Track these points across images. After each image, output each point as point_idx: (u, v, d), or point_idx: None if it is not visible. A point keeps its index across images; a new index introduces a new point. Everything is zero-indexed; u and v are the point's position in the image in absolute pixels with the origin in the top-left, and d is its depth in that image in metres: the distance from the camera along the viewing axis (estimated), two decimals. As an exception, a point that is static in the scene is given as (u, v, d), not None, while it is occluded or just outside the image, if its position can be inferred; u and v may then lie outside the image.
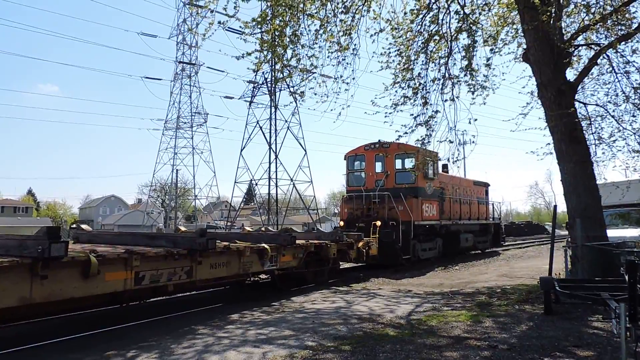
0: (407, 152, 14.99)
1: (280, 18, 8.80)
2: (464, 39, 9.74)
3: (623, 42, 9.39)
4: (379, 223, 13.44)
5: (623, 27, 9.46)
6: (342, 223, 15.08)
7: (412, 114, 9.78)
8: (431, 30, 9.87)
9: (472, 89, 9.77)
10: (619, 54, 10.08)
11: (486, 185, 22.20)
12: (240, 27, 8.84)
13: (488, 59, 9.86)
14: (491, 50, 10.26)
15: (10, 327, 6.36)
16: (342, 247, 11.03)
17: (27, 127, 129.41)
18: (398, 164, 15.55)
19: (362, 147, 16.08)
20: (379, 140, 15.53)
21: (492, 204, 22.81)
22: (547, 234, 46.43)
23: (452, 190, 17.74)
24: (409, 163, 15.27)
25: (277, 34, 8.85)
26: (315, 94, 10.05)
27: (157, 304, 8.71)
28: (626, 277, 7.05)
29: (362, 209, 14.82)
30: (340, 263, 11.91)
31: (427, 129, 9.66)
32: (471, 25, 9.57)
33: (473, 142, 9.52)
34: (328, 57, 9.69)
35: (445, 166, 18.27)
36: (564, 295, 6.84)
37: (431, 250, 15.73)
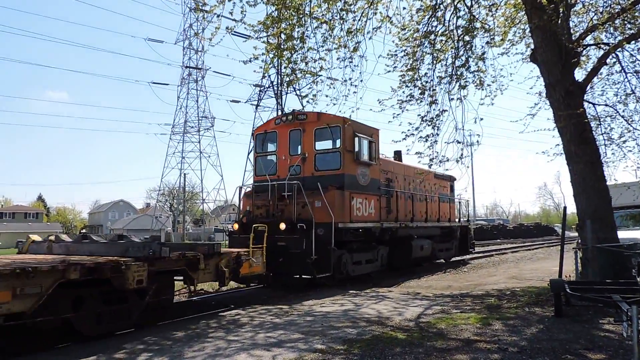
0: (330, 124, 10.90)
1: (287, 21, 8.85)
2: (465, 42, 9.72)
3: (632, 42, 9.32)
4: (283, 226, 10.06)
5: (632, 26, 9.39)
6: (236, 226, 10.93)
7: (420, 114, 9.76)
8: (437, 31, 9.87)
9: (478, 82, 9.74)
10: (628, 54, 10.01)
11: (451, 179, 17.93)
12: (245, 28, 8.89)
13: (483, 53, 9.84)
14: (482, 52, 10.18)
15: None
16: (167, 266, 7.05)
17: (36, 133, 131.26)
18: (319, 142, 11.41)
19: (273, 121, 12.23)
20: (293, 110, 11.86)
21: (460, 202, 18.91)
22: (557, 235, 46.05)
23: (403, 183, 14.08)
24: (335, 141, 11.22)
25: (283, 37, 8.90)
26: (327, 96, 10.11)
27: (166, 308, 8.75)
28: (638, 279, 7.00)
29: (267, 206, 10.89)
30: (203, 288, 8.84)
31: (433, 127, 9.63)
32: (476, 25, 9.56)
33: (478, 141, 9.49)
34: (337, 59, 9.72)
35: (398, 153, 15.33)
36: (575, 298, 6.79)
37: (369, 263, 11.88)
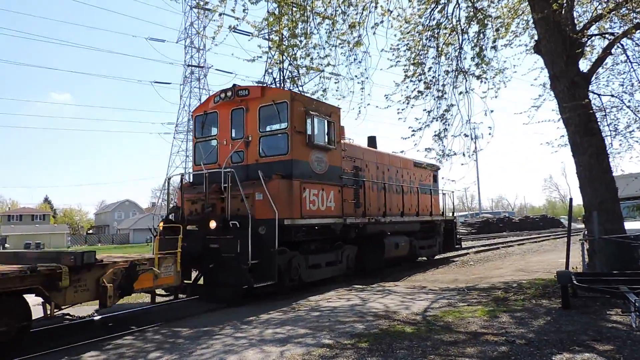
0: (275, 101, 9.22)
1: (288, 17, 8.85)
2: (474, 32, 9.69)
3: (638, 31, 9.23)
4: (213, 224, 8.47)
5: (638, 15, 9.30)
6: (161, 225, 8.97)
7: (425, 109, 9.74)
8: (441, 24, 9.83)
9: (481, 76, 9.71)
10: (634, 43, 9.93)
11: (434, 168, 16.07)
12: (249, 23, 8.89)
13: (494, 41, 9.80)
14: (494, 39, 10.12)
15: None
16: (1, 286, 5.35)
17: (42, 135, 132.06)
18: (265, 123, 9.64)
19: (212, 99, 10.29)
20: (234, 85, 9.92)
21: (444, 194, 16.87)
22: (563, 227, 45.85)
23: (375, 172, 12.56)
24: (282, 121, 9.28)
25: (286, 34, 8.89)
26: (324, 90, 10.10)
27: (174, 306, 8.83)
28: (646, 270, 6.97)
29: (204, 200, 9.00)
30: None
31: (443, 123, 9.59)
32: (480, 17, 9.51)
33: (491, 134, 9.42)
34: (342, 54, 9.71)
35: (372, 139, 14.05)
36: (582, 289, 6.77)
37: (330, 266, 10.25)
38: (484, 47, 9.50)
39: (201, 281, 9.00)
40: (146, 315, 8.07)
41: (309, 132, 9.45)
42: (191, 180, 10.33)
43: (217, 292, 8.58)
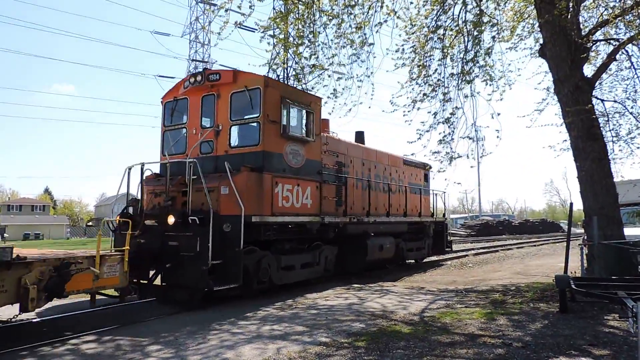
0: (248, 87, 8.50)
1: (294, 15, 8.85)
2: (478, 35, 9.70)
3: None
4: (171, 219, 7.75)
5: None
6: (118, 218, 8.37)
7: (430, 112, 9.75)
8: (446, 26, 9.84)
9: (475, 80, 9.74)
10: (639, 49, 9.92)
11: (425, 166, 15.45)
12: (256, 23, 8.91)
13: (488, 49, 9.82)
14: (488, 48, 10.12)
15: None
16: None
17: (44, 126, 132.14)
18: (236, 110, 8.82)
19: (182, 84, 9.55)
20: (205, 69, 9.33)
21: (435, 195, 16.19)
22: (563, 232, 45.87)
23: (361, 169, 11.91)
24: (255, 108, 8.51)
25: (293, 32, 8.91)
26: (335, 90, 10.11)
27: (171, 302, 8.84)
28: (644, 276, 6.98)
29: (167, 194, 8.31)
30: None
31: (449, 127, 9.59)
32: (484, 20, 9.52)
33: (498, 137, 9.39)
34: (352, 54, 9.72)
35: (360, 135, 13.40)
36: (580, 294, 6.78)
37: (305, 268, 9.60)
38: (479, 53, 9.53)
39: (158, 281, 8.12)
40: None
41: (284, 122, 8.72)
42: (159, 172, 9.42)
43: (174, 295, 7.85)
